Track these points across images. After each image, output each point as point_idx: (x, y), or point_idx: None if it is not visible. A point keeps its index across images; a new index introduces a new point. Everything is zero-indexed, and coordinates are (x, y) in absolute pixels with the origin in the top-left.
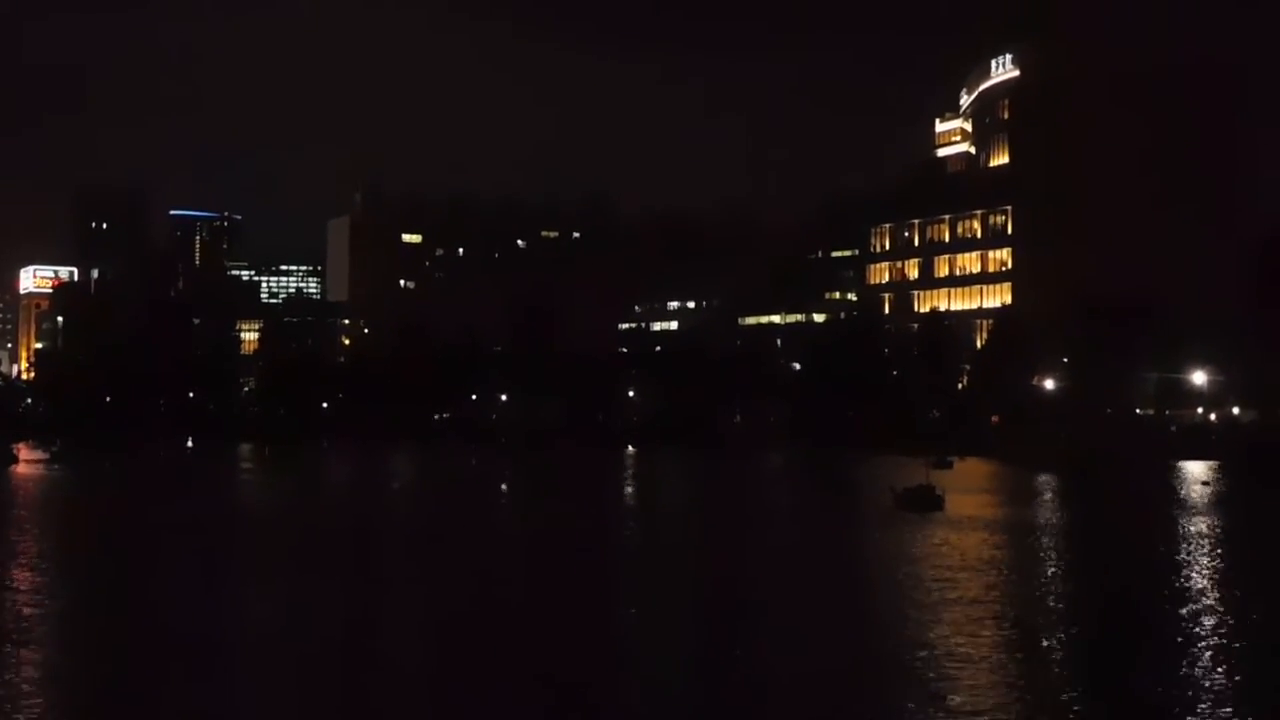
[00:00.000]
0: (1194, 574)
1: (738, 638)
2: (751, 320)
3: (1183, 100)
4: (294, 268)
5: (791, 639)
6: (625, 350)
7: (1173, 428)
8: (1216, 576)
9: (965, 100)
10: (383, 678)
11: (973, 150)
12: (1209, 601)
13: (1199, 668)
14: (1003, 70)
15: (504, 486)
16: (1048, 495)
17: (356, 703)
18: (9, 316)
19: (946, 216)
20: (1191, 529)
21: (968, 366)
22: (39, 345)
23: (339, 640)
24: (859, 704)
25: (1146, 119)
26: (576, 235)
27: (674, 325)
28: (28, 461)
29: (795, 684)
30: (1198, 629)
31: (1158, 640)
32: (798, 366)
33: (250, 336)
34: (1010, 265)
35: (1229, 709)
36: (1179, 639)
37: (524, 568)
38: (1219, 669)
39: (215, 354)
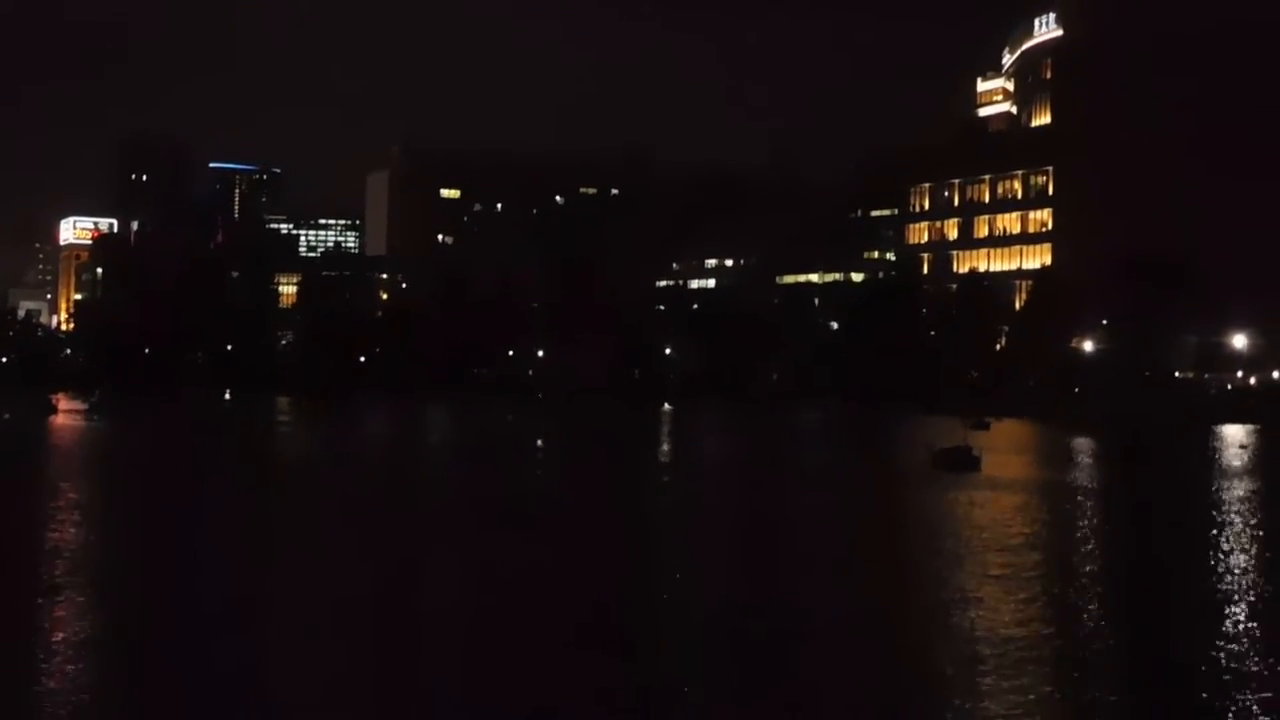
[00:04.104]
0: (1231, 536)
1: (772, 591)
2: (789, 279)
3: (1227, 59)
4: (333, 221)
5: (825, 596)
6: (663, 307)
7: (1212, 390)
8: (1253, 539)
9: (1008, 59)
10: (421, 633)
11: (1014, 110)
12: (1246, 563)
13: (1236, 628)
14: (1046, 29)
15: (540, 442)
16: (1085, 457)
17: (393, 660)
18: (49, 268)
19: (987, 176)
20: (1229, 493)
21: (1006, 327)
22: (78, 296)
23: (374, 595)
24: (894, 663)
25: (1190, 78)
26: (615, 192)
27: (712, 283)
28: (66, 412)
29: (829, 643)
30: (1234, 590)
31: (1193, 602)
32: (835, 325)
33: (288, 290)
34: (1051, 226)
35: (1267, 669)
36: (1215, 600)
37: (558, 522)
38: (1255, 627)
39: (253, 307)
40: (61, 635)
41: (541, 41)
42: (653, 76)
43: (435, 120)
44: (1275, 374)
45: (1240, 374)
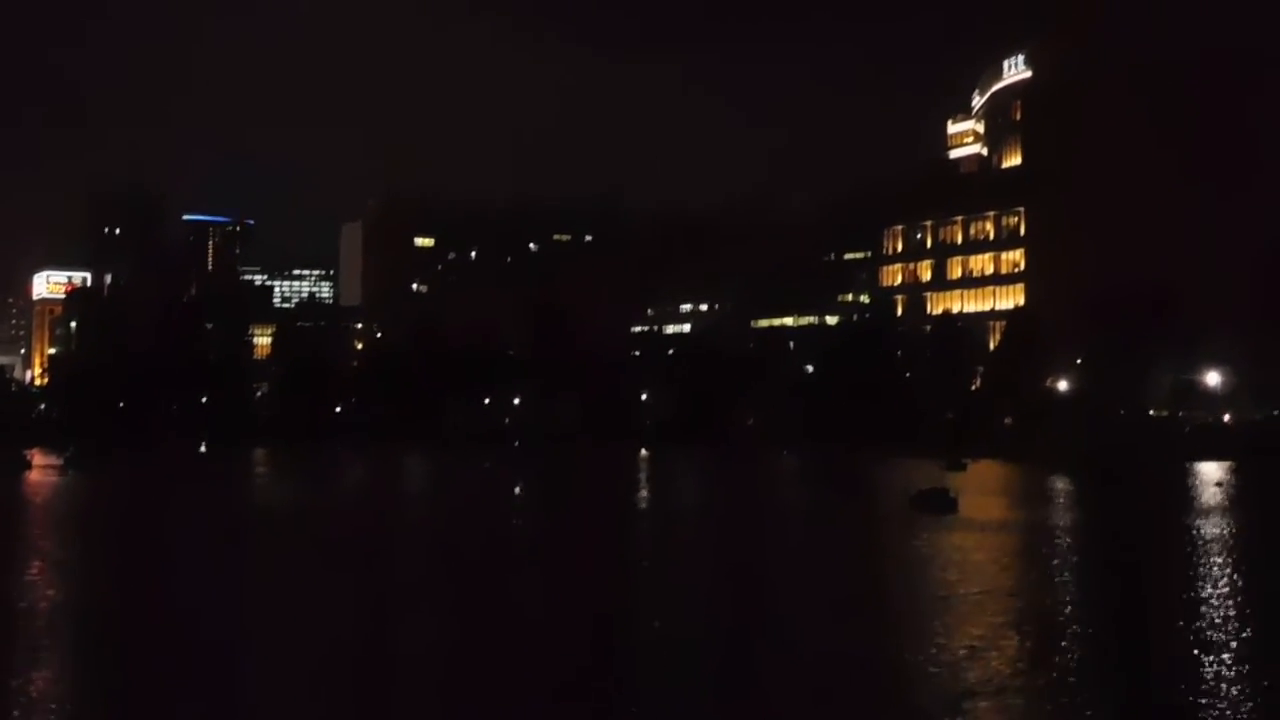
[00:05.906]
0: (1207, 575)
1: (751, 635)
2: (764, 322)
3: (1198, 96)
4: (307, 272)
5: (806, 641)
6: (638, 353)
7: (1187, 428)
8: (1229, 577)
9: (977, 101)
10: (397, 684)
11: (985, 151)
12: (1221, 602)
13: (1212, 666)
14: (1015, 71)
15: (517, 489)
16: (1061, 497)
17: (369, 710)
18: (22, 322)
19: (959, 218)
20: (1205, 530)
21: (981, 368)
22: (52, 350)
23: (351, 647)
24: (876, 708)
25: (1161, 116)
26: (589, 238)
27: (687, 327)
28: (41, 468)
29: (811, 686)
30: (1209, 630)
31: (1171, 642)
32: (810, 368)
33: (263, 340)
34: (1023, 266)
35: (1240, 711)
36: (1191, 641)
37: (537, 570)
38: (1230, 666)
39: (228, 358)
40: (34, 695)
41: (513, 87)
42: (622, 120)
43: (409, 169)
44: (1249, 411)
45: (1215, 411)
